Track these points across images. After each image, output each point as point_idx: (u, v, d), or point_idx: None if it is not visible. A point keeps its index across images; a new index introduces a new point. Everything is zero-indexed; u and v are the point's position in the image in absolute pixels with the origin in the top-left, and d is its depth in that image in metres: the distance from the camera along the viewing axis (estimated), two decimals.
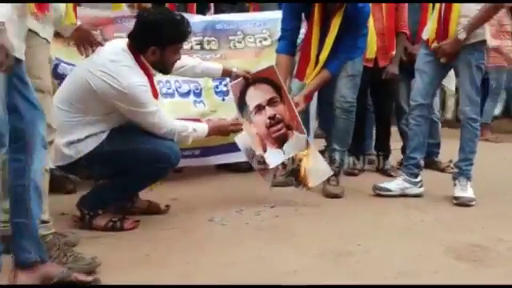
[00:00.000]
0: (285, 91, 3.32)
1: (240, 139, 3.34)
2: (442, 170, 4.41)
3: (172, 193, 3.31)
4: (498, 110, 7.15)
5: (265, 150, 3.33)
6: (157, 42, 2.76)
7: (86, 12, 3.60)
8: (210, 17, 4.21)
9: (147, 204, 3.15)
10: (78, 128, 2.73)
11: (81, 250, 2.43)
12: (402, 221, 3.13)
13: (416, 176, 3.70)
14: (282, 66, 3.47)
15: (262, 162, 3.35)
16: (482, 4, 3.39)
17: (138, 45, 2.77)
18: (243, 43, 4.15)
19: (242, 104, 3.36)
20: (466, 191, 3.50)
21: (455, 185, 3.56)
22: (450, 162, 4.34)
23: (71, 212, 2.95)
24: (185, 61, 3.16)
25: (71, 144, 2.73)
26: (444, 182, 3.81)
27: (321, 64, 3.50)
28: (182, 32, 2.82)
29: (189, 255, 2.52)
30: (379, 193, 3.65)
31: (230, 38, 4.11)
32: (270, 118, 3.32)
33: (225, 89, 3.98)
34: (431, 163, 4.52)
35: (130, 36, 2.82)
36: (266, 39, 4.14)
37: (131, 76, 2.69)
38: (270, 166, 3.33)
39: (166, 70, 2.92)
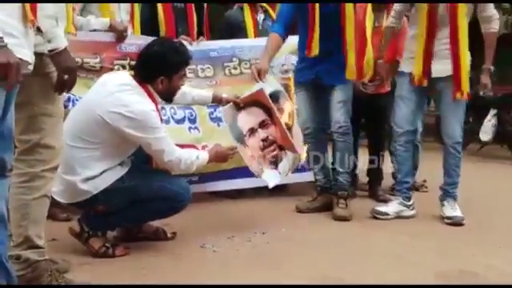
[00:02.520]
0: (275, 113, 3.36)
1: None
2: (416, 189, 4.48)
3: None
4: (488, 136, 7.16)
5: (261, 172, 3.36)
6: (164, 72, 2.85)
7: (85, 36, 3.60)
8: (203, 44, 4.18)
9: (154, 229, 3.17)
10: (92, 163, 2.75)
11: (72, 276, 2.44)
12: (393, 247, 3.14)
13: (409, 199, 3.81)
14: (272, 43, 3.70)
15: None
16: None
17: (146, 76, 2.85)
18: (239, 69, 4.19)
19: (235, 128, 3.40)
20: (456, 210, 3.64)
21: (443, 205, 3.69)
22: (424, 181, 4.68)
23: (62, 238, 2.95)
24: None
25: (88, 180, 2.75)
26: (433, 204, 3.82)
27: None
28: (185, 58, 2.93)
29: (181, 283, 2.51)
30: (377, 216, 3.72)
31: (225, 64, 4.16)
32: (262, 140, 3.39)
33: (220, 115, 4.00)
34: None
35: (135, 68, 2.95)
36: None
37: (141, 103, 2.77)
38: (270, 186, 3.40)
39: (170, 97, 3.00)
